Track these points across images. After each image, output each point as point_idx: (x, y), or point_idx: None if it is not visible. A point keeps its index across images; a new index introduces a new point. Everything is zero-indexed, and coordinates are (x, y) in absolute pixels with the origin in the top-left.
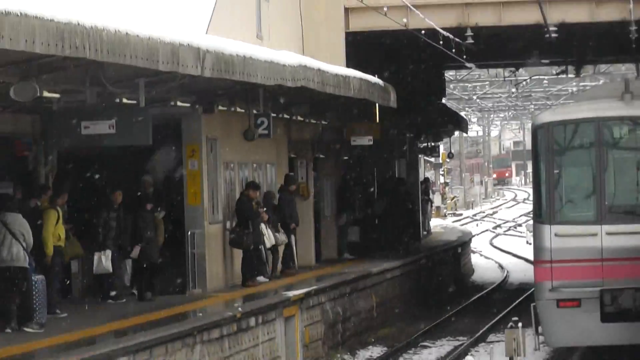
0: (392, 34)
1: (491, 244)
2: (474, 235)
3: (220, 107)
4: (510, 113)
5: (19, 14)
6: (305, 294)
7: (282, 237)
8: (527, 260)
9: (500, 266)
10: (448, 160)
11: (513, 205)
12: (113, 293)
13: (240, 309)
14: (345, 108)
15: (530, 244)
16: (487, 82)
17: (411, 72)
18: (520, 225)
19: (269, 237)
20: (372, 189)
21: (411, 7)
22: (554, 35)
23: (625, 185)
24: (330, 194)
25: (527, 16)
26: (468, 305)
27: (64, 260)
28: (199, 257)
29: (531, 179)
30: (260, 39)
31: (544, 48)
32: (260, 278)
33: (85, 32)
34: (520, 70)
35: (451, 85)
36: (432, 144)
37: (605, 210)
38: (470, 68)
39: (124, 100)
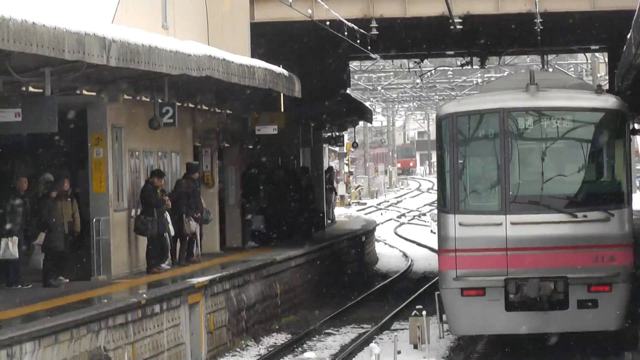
0: (298, 25)
1: (395, 233)
2: (378, 224)
3: (125, 96)
4: (414, 103)
5: None
6: (209, 281)
7: (194, 224)
8: (431, 249)
9: (405, 255)
10: (352, 149)
11: (417, 195)
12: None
13: (145, 295)
14: (250, 97)
15: (434, 233)
16: (391, 73)
17: (316, 62)
18: (424, 214)
19: (189, 225)
20: (275, 178)
21: None
22: (459, 27)
23: (530, 176)
24: (235, 182)
25: (431, 8)
26: (372, 293)
27: None
28: (104, 244)
29: (435, 169)
30: (165, 29)
31: (449, 39)
32: (165, 265)
33: None
34: (425, 61)
35: (356, 76)
36: (337, 133)
37: (510, 200)
38: (375, 59)
39: (30, 89)
